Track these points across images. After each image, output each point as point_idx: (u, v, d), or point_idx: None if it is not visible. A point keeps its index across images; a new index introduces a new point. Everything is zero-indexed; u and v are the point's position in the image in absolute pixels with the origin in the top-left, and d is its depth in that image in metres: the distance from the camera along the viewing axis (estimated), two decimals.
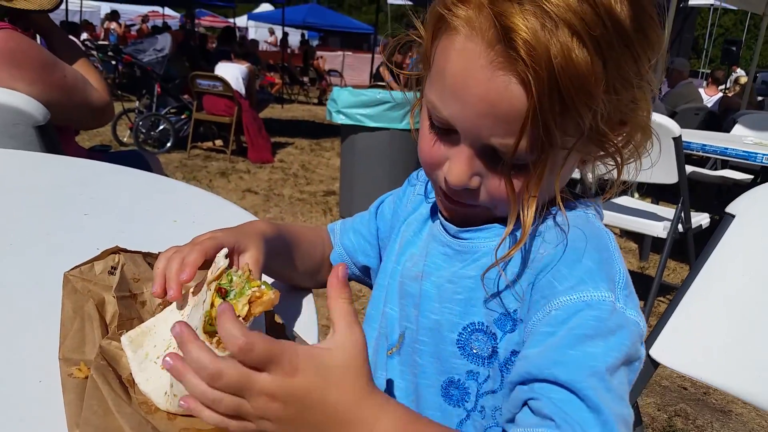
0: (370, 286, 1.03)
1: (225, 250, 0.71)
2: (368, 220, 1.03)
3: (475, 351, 0.75)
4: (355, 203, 5.02)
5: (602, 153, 0.74)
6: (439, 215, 0.84)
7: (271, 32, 22.74)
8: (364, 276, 1.04)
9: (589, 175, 0.79)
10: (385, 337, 0.88)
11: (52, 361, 0.65)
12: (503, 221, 0.76)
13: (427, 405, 0.80)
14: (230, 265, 0.70)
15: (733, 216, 1.06)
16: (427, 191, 0.94)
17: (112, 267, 0.76)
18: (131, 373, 0.64)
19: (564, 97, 0.61)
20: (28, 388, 0.63)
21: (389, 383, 0.85)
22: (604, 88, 0.62)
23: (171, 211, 1.27)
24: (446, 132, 0.72)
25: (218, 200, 1.37)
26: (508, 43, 0.61)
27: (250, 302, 0.61)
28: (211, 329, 0.60)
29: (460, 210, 0.78)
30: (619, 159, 0.74)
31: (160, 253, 0.85)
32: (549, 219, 0.75)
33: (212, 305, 0.61)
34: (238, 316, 0.59)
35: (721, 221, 1.08)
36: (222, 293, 0.63)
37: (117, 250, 0.78)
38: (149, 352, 0.66)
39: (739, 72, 11.72)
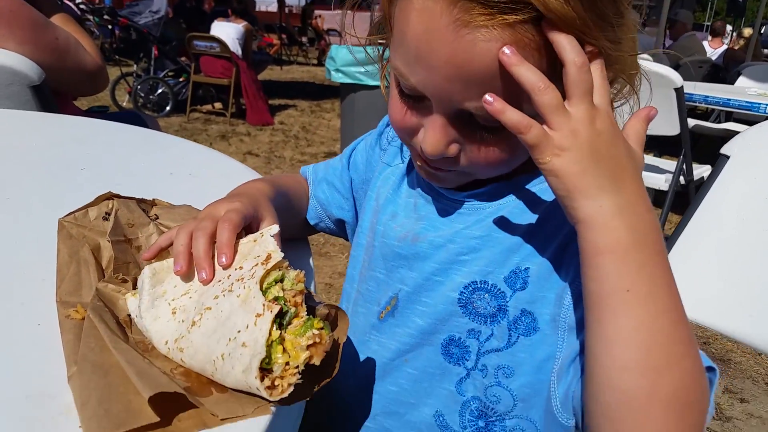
0: (346, 239, 1.02)
1: (274, 228, 0.64)
2: (341, 170, 1.00)
3: (477, 309, 0.74)
4: None
5: None
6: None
7: None
8: (339, 230, 1.02)
9: None
10: (373, 301, 0.85)
11: (51, 306, 0.66)
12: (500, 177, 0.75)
13: (426, 363, 0.78)
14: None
15: (728, 157, 1.06)
16: (401, 144, 0.91)
17: (106, 213, 0.76)
18: (128, 314, 0.64)
19: (547, 54, 0.59)
20: (28, 331, 0.64)
21: (382, 345, 0.83)
22: (583, 29, 0.58)
23: (167, 164, 1.27)
24: (417, 99, 0.68)
25: (214, 153, 1.37)
26: None
27: (309, 346, 0.53)
28: (266, 366, 0.52)
29: (441, 174, 0.74)
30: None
31: (154, 199, 0.85)
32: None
33: (269, 333, 0.53)
34: (295, 367, 0.52)
35: (716, 162, 1.08)
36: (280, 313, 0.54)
37: (110, 196, 0.78)
38: (167, 290, 0.63)
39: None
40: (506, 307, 0.72)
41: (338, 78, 4.74)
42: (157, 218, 0.80)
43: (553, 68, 0.60)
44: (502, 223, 0.75)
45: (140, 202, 0.81)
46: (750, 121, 5.07)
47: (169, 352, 0.59)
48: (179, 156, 1.34)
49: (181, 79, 7.66)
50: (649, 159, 3.95)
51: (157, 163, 1.29)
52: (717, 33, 10.71)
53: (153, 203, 0.85)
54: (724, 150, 1.07)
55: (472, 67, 0.59)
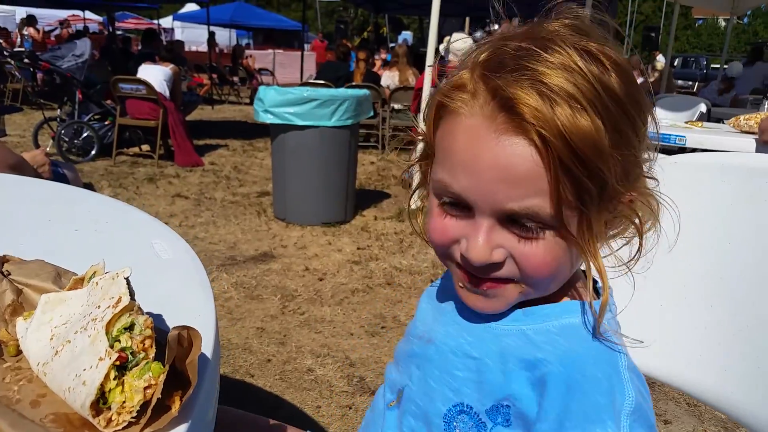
0: None
1: (127, 271, 0.69)
2: None
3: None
4: (289, 203, 4.99)
5: (620, 211, 0.72)
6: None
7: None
8: None
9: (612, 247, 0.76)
10: (391, 389, 0.90)
11: None
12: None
13: None
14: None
15: None
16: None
17: None
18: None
19: (576, 151, 0.62)
20: None
21: None
22: (610, 145, 0.63)
23: (73, 220, 1.24)
24: (459, 208, 0.71)
25: (122, 206, 1.35)
26: (511, 110, 0.63)
27: (145, 389, 0.59)
28: (102, 407, 0.59)
29: (489, 291, 0.73)
30: (636, 219, 0.72)
31: (5, 255, 0.89)
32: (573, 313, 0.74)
33: (107, 375, 0.59)
34: (131, 407, 0.59)
35: None
36: (122, 360, 0.60)
37: None
38: (53, 318, 0.69)
39: (659, 58, 12.17)
40: None
41: (267, 119, 4.74)
42: (9, 274, 0.81)
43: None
44: (500, 349, 0.75)
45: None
46: (665, 150, 5.34)
47: (38, 373, 0.65)
48: (85, 211, 1.32)
49: (106, 123, 7.50)
50: None
51: (61, 218, 1.26)
52: (633, 67, 11.26)
53: (4, 259, 0.86)
54: None
55: (513, 168, 0.64)
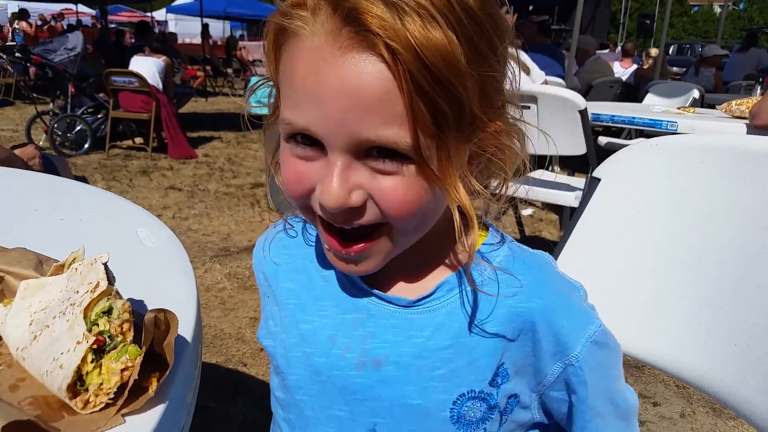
0: None
1: (105, 257, 0.69)
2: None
3: (470, 419, 0.71)
4: (283, 194, 4.97)
5: (484, 143, 0.66)
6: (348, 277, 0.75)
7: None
8: None
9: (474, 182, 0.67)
10: None
11: None
12: (430, 266, 0.74)
13: None
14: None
15: (599, 180, 1.12)
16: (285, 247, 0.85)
17: None
18: None
19: (429, 66, 0.56)
20: None
21: None
22: (466, 62, 0.58)
23: (58, 209, 1.25)
24: (311, 148, 0.63)
25: (108, 196, 1.35)
26: (356, 22, 0.56)
27: (122, 371, 0.61)
28: (80, 389, 0.60)
29: (357, 253, 0.68)
30: (502, 153, 0.67)
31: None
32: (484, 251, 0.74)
33: (84, 358, 0.60)
34: (108, 388, 0.60)
35: (588, 185, 1.14)
36: (100, 343, 0.61)
37: None
38: (32, 303, 0.70)
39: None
40: (496, 404, 0.72)
41: (258, 109, 4.73)
42: None
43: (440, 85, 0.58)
44: (463, 323, 0.71)
45: None
46: (658, 136, 5.34)
47: (17, 358, 0.66)
48: (71, 200, 1.32)
49: (99, 116, 7.48)
50: (564, 178, 4.10)
51: (47, 208, 1.27)
52: (628, 54, 11.30)
53: None
54: (595, 173, 1.13)
55: (363, 92, 0.58)
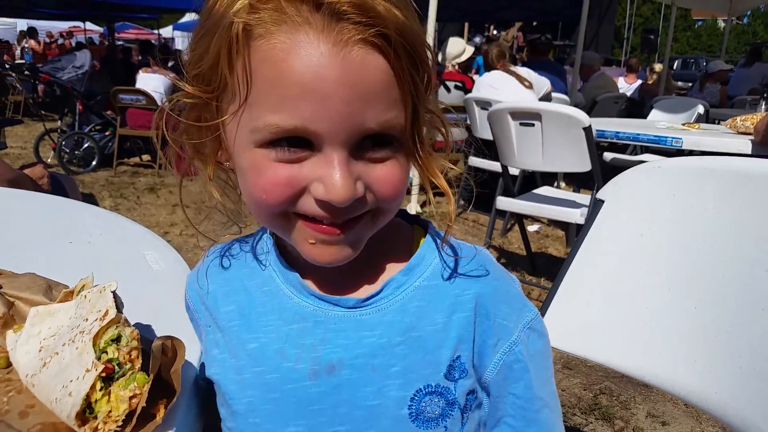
0: None
1: (114, 285, 0.72)
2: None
3: (428, 415, 0.70)
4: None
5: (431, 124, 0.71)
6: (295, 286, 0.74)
7: None
8: None
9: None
10: None
11: None
12: (380, 262, 0.75)
13: None
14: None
15: (603, 201, 1.13)
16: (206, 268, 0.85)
17: None
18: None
19: (408, 47, 0.60)
20: None
21: None
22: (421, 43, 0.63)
23: (67, 233, 1.26)
24: (300, 149, 0.62)
25: (117, 219, 1.37)
26: (342, 16, 0.57)
27: (130, 398, 0.62)
28: (89, 417, 0.62)
29: (350, 236, 0.67)
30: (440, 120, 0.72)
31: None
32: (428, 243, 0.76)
33: (93, 386, 0.61)
34: (117, 416, 0.61)
35: (593, 207, 1.15)
36: (109, 371, 0.63)
37: None
38: (42, 330, 0.71)
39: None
40: (455, 399, 0.71)
41: None
42: (1, 287, 0.84)
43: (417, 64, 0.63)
44: (413, 318, 0.71)
45: None
46: (663, 152, 5.35)
47: (27, 385, 0.67)
48: (80, 222, 1.34)
49: (107, 133, 7.53)
50: (569, 194, 4.11)
51: (56, 230, 1.28)
52: (632, 69, 11.33)
53: None
54: (599, 195, 1.14)
55: (367, 82, 0.59)
